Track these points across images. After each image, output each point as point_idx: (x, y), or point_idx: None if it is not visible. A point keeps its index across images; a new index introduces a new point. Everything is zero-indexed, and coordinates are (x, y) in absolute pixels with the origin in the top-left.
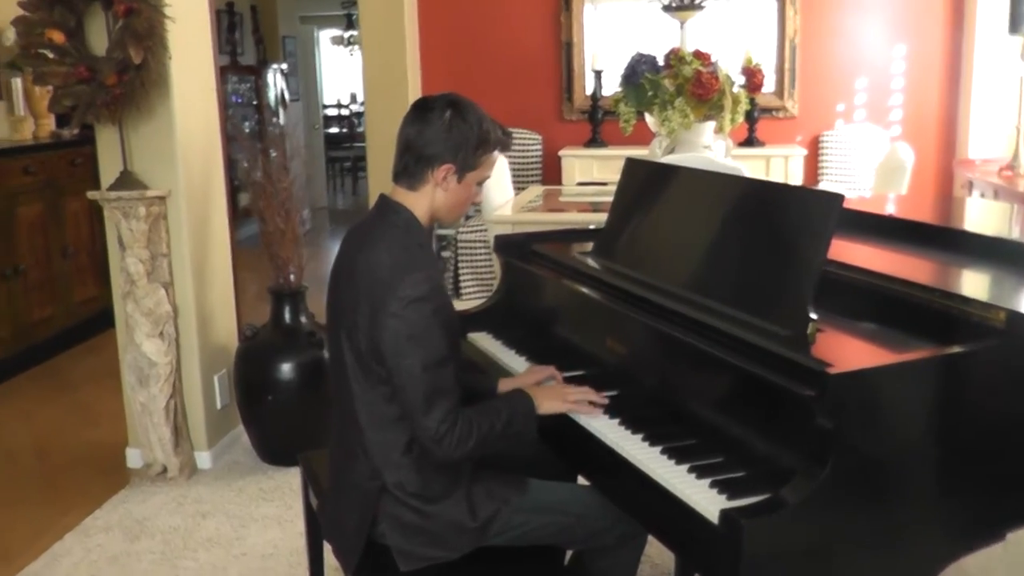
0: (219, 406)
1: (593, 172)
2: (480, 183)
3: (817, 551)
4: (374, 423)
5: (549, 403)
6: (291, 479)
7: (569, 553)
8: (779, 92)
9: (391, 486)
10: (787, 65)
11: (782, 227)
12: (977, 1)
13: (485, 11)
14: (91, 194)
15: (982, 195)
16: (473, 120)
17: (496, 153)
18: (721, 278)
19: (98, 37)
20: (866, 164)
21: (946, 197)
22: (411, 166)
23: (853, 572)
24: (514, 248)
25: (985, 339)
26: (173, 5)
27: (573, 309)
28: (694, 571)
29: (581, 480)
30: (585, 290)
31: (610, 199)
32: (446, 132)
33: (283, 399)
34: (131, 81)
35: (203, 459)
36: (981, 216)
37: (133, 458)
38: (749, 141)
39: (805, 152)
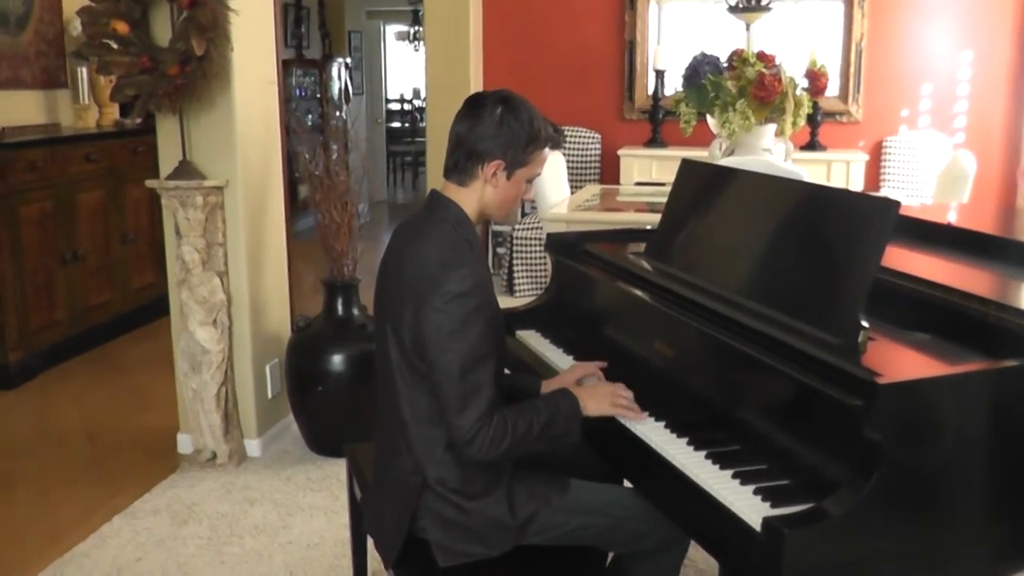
0: (270, 395)
1: (652, 172)
2: (530, 180)
3: (859, 564)
4: (418, 418)
5: (596, 405)
6: (339, 470)
7: (610, 555)
8: (843, 96)
9: (433, 481)
10: (852, 69)
11: (836, 233)
12: None
13: (549, 9)
14: (149, 183)
15: None
16: (524, 117)
17: (547, 151)
18: (772, 283)
19: (162, 28)
20: (928, 171)
21: (1008, 207)
22: (461, 162)
23: None
24: (566, 247)
25: None
26: None
27: (623, 310)
28: None
29: (626, 483)
30: (635, 291)
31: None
32: (497, 128)
33: (333, 390)
34: (193, 72)
35: (252, 447)
36: None
37: (184, 443)
38: (811, 145)
39: (867, 158)
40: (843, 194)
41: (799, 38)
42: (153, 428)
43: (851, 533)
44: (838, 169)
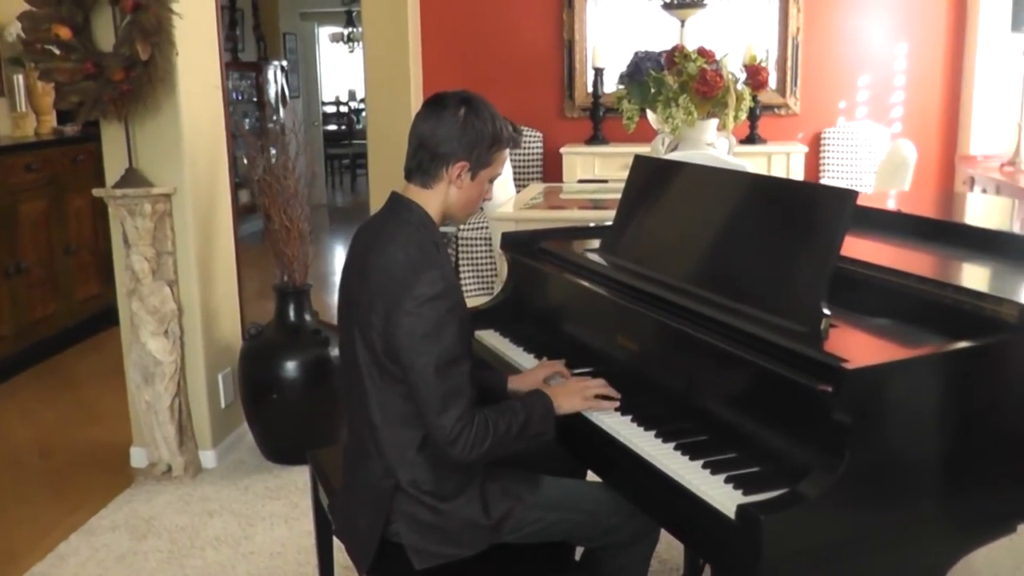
0: (223, 405)
1: (594, 169)
2: (492, 180)
3: (834, 545)
4: (388, 421)
5: (569, 402)
6: (296, 477)
7: (580, 549)
8: (781, 89)
9: (405, 484)
10: (789, 63)
11: (795, 223)
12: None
13: (487, 8)
14: (97, 191)
15: (983, 191)
16: (487, 117)
17: (507, 150)
18: (734, 275)
19: (105, 33)
20: (867, 161)
21: (947, 193)
22: (425, 163)
23: (869, 566)
24: (521, 245)
25: (998, 334)
26: (180, 1)
27: (582, 306)
28: (710, 567)
29: (591, 476)
30: (595, 287)
31: (611, 196)
32: (461, 130)
33: (288, 397)
34: (138, 77)
35: (207, 458)
36: (983, 211)
37: (137, 457)
38: (751, 138)
39: (806, 149)
40: (802, 185)
41: (733, 34)
42: (105, 442)
43: (827, 515)
44: (778, 161)
